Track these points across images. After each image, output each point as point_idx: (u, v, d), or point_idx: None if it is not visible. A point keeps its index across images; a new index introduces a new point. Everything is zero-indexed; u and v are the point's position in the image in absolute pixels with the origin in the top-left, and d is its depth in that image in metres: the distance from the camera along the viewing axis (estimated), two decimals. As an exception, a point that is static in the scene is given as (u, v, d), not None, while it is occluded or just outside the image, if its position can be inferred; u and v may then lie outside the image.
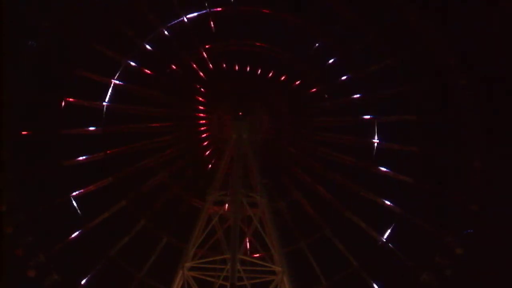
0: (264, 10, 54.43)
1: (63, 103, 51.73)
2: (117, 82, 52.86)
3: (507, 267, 53.49)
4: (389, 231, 51.80)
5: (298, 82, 54.49)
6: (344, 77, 53.82)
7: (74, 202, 51.47)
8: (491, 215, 52.46)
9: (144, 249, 52.28)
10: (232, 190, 46.83)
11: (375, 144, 53.08)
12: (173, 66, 53.74)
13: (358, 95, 53.57)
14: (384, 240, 51.63)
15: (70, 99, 51.92)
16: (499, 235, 54.15)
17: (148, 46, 53.18)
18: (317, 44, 54.23)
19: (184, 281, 42.56)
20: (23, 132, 50.37)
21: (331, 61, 53.97)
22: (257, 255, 46.51)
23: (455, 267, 49.33)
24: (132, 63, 53.04)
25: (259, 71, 54.49)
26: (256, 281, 43.91)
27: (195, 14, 53.79)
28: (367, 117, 53.37)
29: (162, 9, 53.48)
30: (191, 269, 43.30)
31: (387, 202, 52.31)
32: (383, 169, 52.67)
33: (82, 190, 51.85)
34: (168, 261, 49.24)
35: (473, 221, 49.63)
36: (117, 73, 52.82)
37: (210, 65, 54.21)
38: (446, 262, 49.46)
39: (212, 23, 54.11)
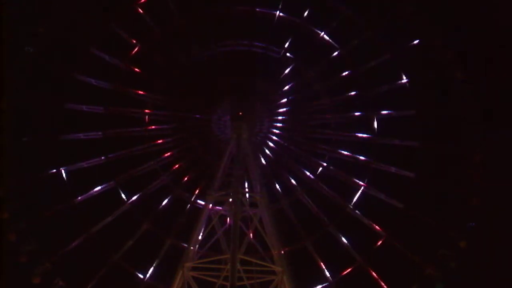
0: (261, 10, 54.29)
1: (62, 109, 51.96)
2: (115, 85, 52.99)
3: (509, 260, 53.27)
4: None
5: (297, 81, 54.46)
6: (342, 74, 53.67)
7: (76, 207, 51.58)
8: (493, 209, 52.37)
9: (148, 252, 52.43)
10: (232, 190, 46.67)
11: (376, 140, 52.92)
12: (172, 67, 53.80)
13: (357, 92, 53.44)
14: (387, 235, 51.40)
15: (70, 104, 52.08)
16: (501, 229, 53.91)
17: (144, 48, 53.24)
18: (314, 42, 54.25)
19: (184, 281, 42.48)
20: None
21: (328, 58, 53.80)
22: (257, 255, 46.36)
23: (459, 260, 49.08)
24: (130, 66, 53.08)
25: (258, 71, 54.38)
26: (256, 281, 43.89)
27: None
28: (367, 113, 53.22)
29: (158, 10, 53.56)
30: (191, 269, 43.23)
31: (389, 198, 52.12)
32: (384, 164, 52.49)
33: (84, 195, 51.89)
34: (173, 262, 49.07)
35: (475, 214, 49.43)
36: (115, 76, 53.01)
37: (209, 65, 54.23)
38: (450, 256, 49.20)
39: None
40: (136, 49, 53.30)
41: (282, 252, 45.61)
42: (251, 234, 45.76)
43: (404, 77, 52.42)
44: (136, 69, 53.29)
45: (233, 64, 54.50)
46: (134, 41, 53.33)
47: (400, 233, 51.57)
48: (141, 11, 53.35)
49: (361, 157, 53.19)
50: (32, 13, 51.11)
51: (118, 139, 52.83)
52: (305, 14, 53.98)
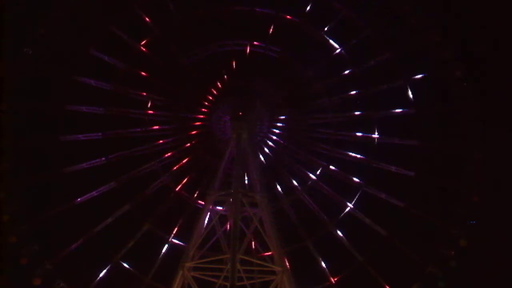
0: (261, 10, 54.28)
1: (62, 110, 52.01)
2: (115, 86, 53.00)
3: (509, 258, 53.26)
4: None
5: (297, 80, 54.44)
6: (342, 73, 53.63)
7: (76, 208, 51.63)
8: (493, 206, 52.37)
9: (149, 252, 52.42)
10: (232, 190, 46.67)
11: (376, 139, 52.92)
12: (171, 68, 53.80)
13: (356, 91, 53.41)
14: (388, 234, 51.42)
15: (69, 106, 52.13)
16: (501, 226, 53.91)
17: (144, 49, 53.24)
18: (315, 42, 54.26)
19: (185, 281, 42.49)
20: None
21: (328, 57, 53.81)
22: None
23: (459, 258, 49.07)
24: (129, 66, 53.09)
25: (258, 70, 54.37)
26: (256, 281, 43.91)
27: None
28: (367, 112, 53.22)
29: (156, 11, 53.59)
30: (191, 269, 43.25)
31: (390, 197, 52.10)
32: (384, 163, 52.48)
33: (85, 196, 51.89)
34: (173, 262, 49.07)
35: (475, 212, 49.41)
36: (115, 77, 53.05)
37: (209, 65, 54.26)
38: (451, 254, 49.18)
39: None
40: (135, 50, 53.24)
41: (282, 252, 45.47)
42: (251, 234, 45.72)
43: (404, 77, 52.25)
44: (136, 70, 53.20)
45: (233, 64, 54.39)
46: (134, 42, 53.26)
47: (400, 232, 51.54)
48: (141, 12, 53.25)
49: (361, 157, 53.08)
50: (32, 14, 51.23)
51: (118, 140, 52.82)
52: (305, 13, 53.78)
